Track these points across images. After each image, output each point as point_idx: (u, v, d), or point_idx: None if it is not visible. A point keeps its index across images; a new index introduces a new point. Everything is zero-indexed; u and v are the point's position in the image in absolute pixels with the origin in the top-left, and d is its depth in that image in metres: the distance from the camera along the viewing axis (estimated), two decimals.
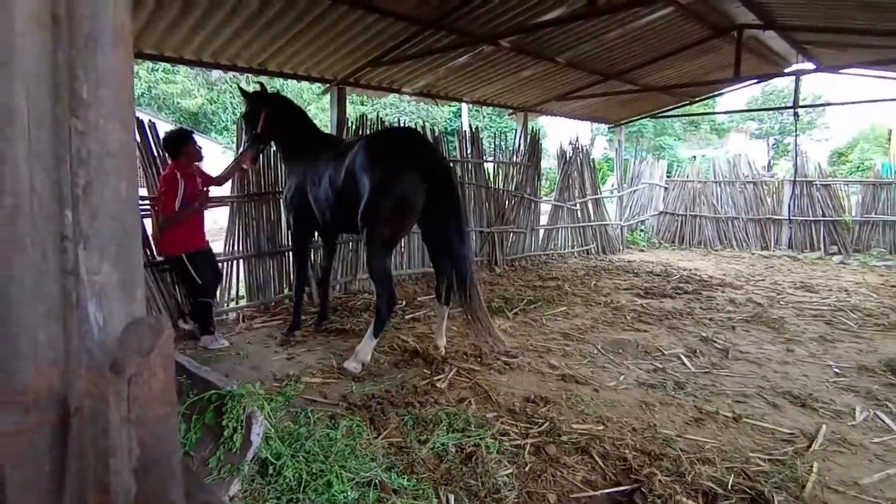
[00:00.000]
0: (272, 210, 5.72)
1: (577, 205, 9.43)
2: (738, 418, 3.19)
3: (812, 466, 2.66)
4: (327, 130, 6.08)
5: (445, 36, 5.65)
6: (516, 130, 8.95)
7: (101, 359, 0.70)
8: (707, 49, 7.33)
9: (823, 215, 9.87)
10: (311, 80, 6.39)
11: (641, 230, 11.63)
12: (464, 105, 19.86)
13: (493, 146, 8.46)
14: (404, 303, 5.72)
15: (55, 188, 0.68)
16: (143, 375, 0.67)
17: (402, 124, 6.88)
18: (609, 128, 12.07)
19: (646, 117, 11.41)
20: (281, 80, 6.34)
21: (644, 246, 11.05)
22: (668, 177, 11.95)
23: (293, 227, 4.81)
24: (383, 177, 3.61)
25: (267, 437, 2.51)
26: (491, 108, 10.12)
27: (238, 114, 4.12)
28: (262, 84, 4.89)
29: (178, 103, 26.04)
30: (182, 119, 25.73)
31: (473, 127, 8.76)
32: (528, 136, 8.73)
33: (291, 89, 23.33)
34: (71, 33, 0.67)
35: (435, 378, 3.67)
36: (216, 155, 21.48)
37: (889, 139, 23.04)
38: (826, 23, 5.70)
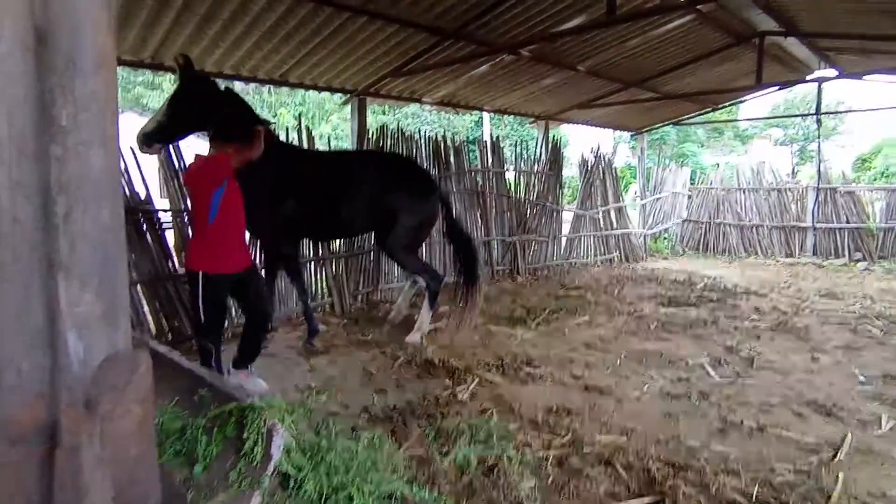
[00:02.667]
0: None
1: (600, 213, 9.40)
2: (762, 428, 3.15)
3: (838, 477, 2.62)
4: (349, 141, 6.20)
5: (465, 45, 5.73)
6: (537, 139, 8.98)
7: (80, 393, 0.66)
8: (728, 56, 7.29)
9: (848, 222, 9.67)
10: (332, 90, 6.53)
11: (665, 238, 11.51)
12: (485, 114, 19.99)
13: (514, 155, 8.52)
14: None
15: (38, 217, 0.64)
16: (117, 413, 0.63)
17: (423, 134, 6.97)
18: (631, 135, 12.01)
19: (668, 124, 11.35)
20: (302, 90, 6.55)
21: (668, 254, 10.94)
22: (691, 184, 11.83)
23: (275, 238, 4.59)
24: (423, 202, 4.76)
25: (288, 450, 2.55)
26: (512, 116, 10.17)
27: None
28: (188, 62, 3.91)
29: None
30: None
31: (494, 136, 8.82)
32: (550, 145, 8.75)
33: (313, 99, 23.75)
34: (51, 57, 0.63)
35: (457, 389, 3.69)
36: None
37: None
38: (848, 29, 5.63)
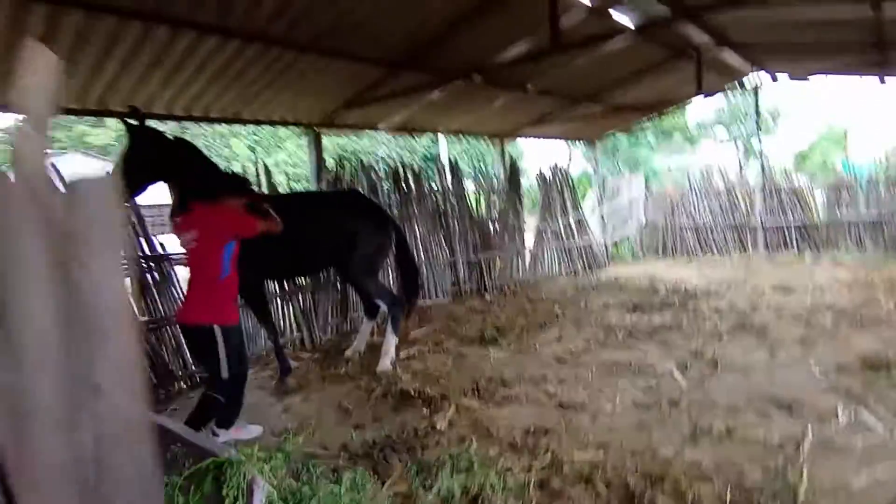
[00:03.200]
0: None
1: (561, 225, 9.60)
2: (730, 431, 3.26)
3: (802, 473, 2.74)
4: (305, 168, 6.21)
5: (416, 75, 5.83)
6: (494, 158, 9.15)
7: None
8: (670, 68, 7.64)
9: (794, 218, 10.19)
10: (287, 124, 6.53)
11: (625, 243, 11.84)
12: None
13: (473, 172, 8.66)
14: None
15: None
16: None
17: (382, 163, 7.04)
18: (585, 145, 12.37)
19: (620, 131, 11.73)
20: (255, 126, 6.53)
21: (630, 259, 11.24)
22: (646, 189, 12.23)
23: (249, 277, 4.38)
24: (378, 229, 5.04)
25: (270, 502, 2.52)
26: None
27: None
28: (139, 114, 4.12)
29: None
30: None
31: (452, 157, 8.95)
32: (507, 164, 8.93)
33: (267, 128, 23.53)
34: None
35: (434, 418, 3.69)
36: None
37: (845, 139, 23.95)
38: (777, 39, 6.01)
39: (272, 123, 6.29)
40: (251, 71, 4.80)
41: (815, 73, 7.77)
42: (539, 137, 10.57)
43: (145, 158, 3.78)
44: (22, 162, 0.56)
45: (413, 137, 9.54)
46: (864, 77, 7.57)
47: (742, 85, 8.50)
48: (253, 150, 23.97)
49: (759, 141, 10.29)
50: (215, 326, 3.17)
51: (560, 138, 11.28)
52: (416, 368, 4.83)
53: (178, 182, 3.96)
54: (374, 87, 5.74)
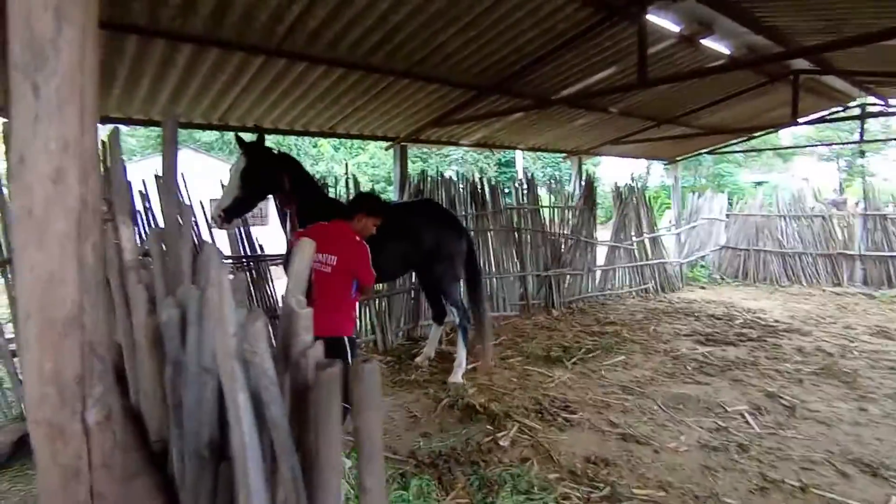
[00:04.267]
0: None
1: (634, 244, 9.44)
2: (804, 488, 3.19)
3: None
4: (384, 169, 6.55)
5: (501, 98, 6.02)
6: (571, 174, 9.15)
7: None
8: (763, 91, 7.33)
9: None
10: (376, 138, 6.92)
11: (702, 266, 11.41)
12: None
13: (549, 189, 8.71)
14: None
15: None
16: None
17: (460, 176, 7.31)
18: (664, 165, 12.02)
19: (703, 153, 11.32)
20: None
21: (705, 283, 10.83)
22: (728, 209, 11.72)
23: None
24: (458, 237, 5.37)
25: (347, 499, 2.79)
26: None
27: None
28: (261, 133, 4.51)
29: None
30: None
31: (529, 173, 9.04)
32: (584, 180, 8.91)
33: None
34: None
35: (498, 435, 3.87)
36: None
37: None
38: (883, 68, 5.64)
39: (363, 137, 6.70)
40: (351, 93, 5.19)
41: None
42: (618, 156, 10.41)
43: (261, 174, 4.20)
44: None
45: (492, 153, 9.71)
46: None
47: (842, 117, 7.95)
48: (337, 149, 25.23)
49: (862, 167, 9.48)
50: (345, 338, 3.36)
51: (639, 157, 11.07)
52: (481, 382, 5.02)
53: (299, 198, 4.33)
54: (460, 109, 5.97)
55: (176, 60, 4.00)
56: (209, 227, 5.05)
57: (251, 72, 4.36)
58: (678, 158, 11.19)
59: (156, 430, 1.06)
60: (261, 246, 5.51)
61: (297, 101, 5.16)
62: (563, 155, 9.86)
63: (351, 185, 6.30)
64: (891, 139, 18.16)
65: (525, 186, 7.99)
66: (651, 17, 4.63)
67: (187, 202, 4.97)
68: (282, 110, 5.32)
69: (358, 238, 3.50)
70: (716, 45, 5.51)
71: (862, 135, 8.41)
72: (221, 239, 5.26)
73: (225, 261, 5.16)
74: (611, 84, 5.70)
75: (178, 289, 0.98)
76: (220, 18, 3.59)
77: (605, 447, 3.73)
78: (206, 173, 11.59)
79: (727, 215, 11.50)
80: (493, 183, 7.77)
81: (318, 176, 6.34)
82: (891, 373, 5.23)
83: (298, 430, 0.75)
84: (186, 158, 19.63)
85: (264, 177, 4.23)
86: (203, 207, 5.26)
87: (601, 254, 9.24)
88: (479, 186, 7.42)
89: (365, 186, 7.09)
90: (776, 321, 7.38)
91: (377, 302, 6.33)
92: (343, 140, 24.26)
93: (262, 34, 3.88)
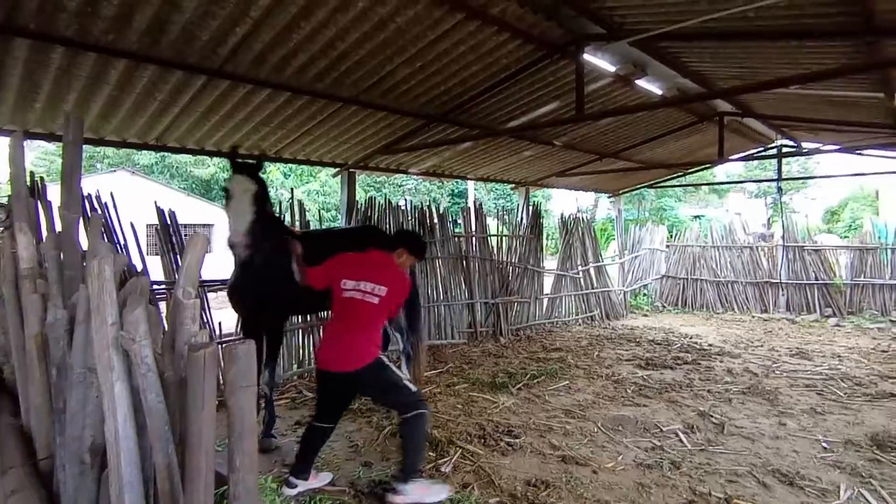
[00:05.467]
0: None
1: (580, 272, 9.74)
2: (729, 500, 3.33)
3: None
4: (336, 197, 6.53)
5: (449, 127, 6.20)
6: (519, 204, 9.42)
7: None
8: (694, 131, 7.87)
9: (816, 279, 10.12)
10: (324, 164, 6.92)
11: (645, 294, 11.86)
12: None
13: (497, 211, 8.92)
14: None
15: None
16: None
17: (409, 204, 7.39)
18: (609, 198, 12.56)
19: (643, 187, 11.92)
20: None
21: (647, 310, 11.25)
22: (668, 241, 12.31)
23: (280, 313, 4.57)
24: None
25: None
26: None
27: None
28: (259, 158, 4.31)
29: (190, 171, 27.07)
30: (194, 186, 26.74)
31: (478, 202, 9.24)
32: (531, 210, 9.18)
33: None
34: None
35: (439, 462, 3.85)
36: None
37: (877, 199, 23.65)
38: (796, 114, 6.21)
39: (311, 163, 6.68)
40: (298, 117, 5.21)
41: (839, 147, 7.89)
42: (564, 188, 10.81)
43: (268, 197, 3.96)
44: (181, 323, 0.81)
45: (441, 182, 9.89)
46: (887, 151, 7.66)
47: (763, 155, 8.67)
48: (287, 176, 24.85)
49: (781, 203, 10.26)
50: (379, 357, 3.26)
51: (585, 190, 11.53)
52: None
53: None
54: (409, 137, 6.10)
55: (108, 76, 3.89)
56: (140, 252, 4.88)
57: (191, 92, 4.29)
58: (621, 192, 11.73)
59: (44, 445, 1.03)
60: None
61: (241, 124, 5.12)
62: (511, 187, 10.16)
63: (297, 210, 6.26)
64: (806, 177, 19.71)
65: (473, 215, 8.15)
66: (588, 57, 4.93)
67: (116, 221, 4.82)
68: (225, 133, 5.25)
69: (403, 271, 3.47)
70: (649, 86, 5.91)
71: (780, 173, 9.11)
72: (155, 265, 5.09)
73: (156, 286, 4.96)
74: (554, 117, 5.97)
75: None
76: (157, 35, 3.52)
77: (546, 469, 3.77)
78: (144, 196, 11.19)
79: (667, 246, 12.07)
80: (441, 211, 7.89)
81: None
82: (807, 390, 5.58)
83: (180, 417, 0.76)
84: (121, 180, 18.92)
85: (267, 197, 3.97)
86: (134, 230, 5.09)
87: (548, 282, 9.47)
88: (427, 214, 7.51)
89: (313, 214, 7.05)
90: (710, 345, 7.74)
91: (321, 330, 6.23)
92: (293, 167, 24.01)
93: (203, 54, 3.84)
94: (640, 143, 8.09)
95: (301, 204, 6.44)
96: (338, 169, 6.98)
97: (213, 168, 26.76)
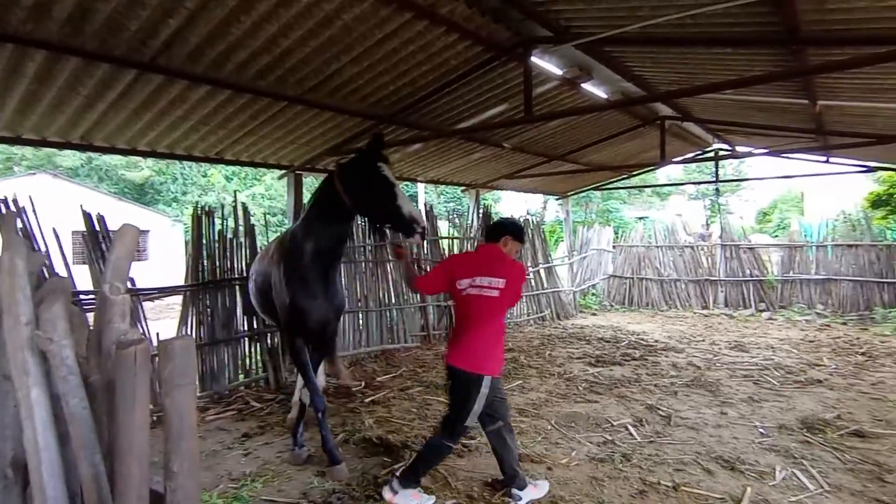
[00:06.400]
0: (227, 297, 5.80)
1: (531, 273, 9.87)
2: (677, 487, 3.44)
3: None
4: (282, 201, 6.34)
5: (398, 128, 6.14)
6: (469, 207, 9.46)
7: None
8: (637, 134, 8.15)
9: (751, 275, 10.70)
10: (268, 166, 6.71)
11: (593, 294, 12.17)
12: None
13: (448, 220, 8.91)
14: (363, 384, 5.83)
15: None
16: None
17: None
18: (557, 199, 12.84)
19: (590, 189, 12.24)
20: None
21: (596, 309, 11.55)
22: (614, 242, 12.70)
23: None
24: None
25: None
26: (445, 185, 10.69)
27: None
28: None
29: (121, 175, 25.64)
30: (126, 191, 25.39)
31: (429, 205, 9.21)
32: (481, 212, 9.24)
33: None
34: None
35: (395, 466, 3.77)
36: (166, 228, 21.23)
37: (802, 200, 25.46)
38: (731, 118, 6.54)
39: (254, 165, 6.46)
40: (239, 117, 5.01)
41: (769, 149, 8.39)
42: (514, 190, 10.96)
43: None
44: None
45: None
46: (812, 154, 8.21)
47: (701, 158, 9.13)
48: (230, 179, 23.93)
49: (718, 204, 10.79)
50: (485, 377, 3.12)
51: (534, 192, 11.73)
52: (380, 415, 4.89)
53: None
54: (358, 138, 5.99)
55: (25, 69, 3.59)
56: (64, 260, 4.57)
57: (119, 87, 4.02)
58: (569, 194, 12.01)
59: None
60: (132, 279, 5.03)
61: (177, 123, 4.87)
62: (461, 189, 10.20)
63: (240, 214, 6.04)
64: (740, 179, 20.87)
65: (424, 217, 8.11)
66: (536, 60, 5.00)
67: (36, 227, 4.48)
68: (159, 132, 4.98)
69: (514, 258, 3.39)
70: (594, 90, 6.06)
71: (717, 175, 9.58)
72: (83, 275, 4.75)
73: (84, 296, 4.64)
74: (504, 119, 6.02)
75: None
76: (79, 25, 3.27)
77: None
78: (68, 201, 10.47)
79: (614, 247, 12.44)
80: None
81: (207, 207, 5.94)
82: (745, 380, 5.87)
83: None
84: (42, 184, 17.72)
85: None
86: (57, 237, 4.75)
87: None
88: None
89: (258, 218, 6.81)
90: (656, 341, 8.01)
91: (269, 337, 6.02)
92: (237, 170, 23.17)
93: (132, 46, 3.60)
94: (586, 145, 8.30)
95: (245, 207, 6.22)
96: (284, 171, 6.78)
97: (147, 171, 25.39)
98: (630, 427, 4.53)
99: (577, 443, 4.23)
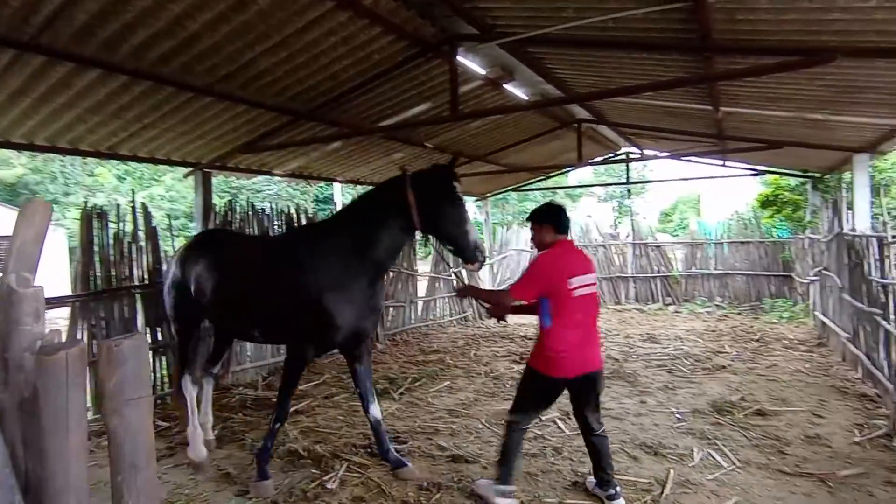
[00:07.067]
0: (125, 307, 5.23)
1: (453, 274, 9.89)
2: None
3: None
4: (183, 204, 5.86)
5: (318, 125, 5.86)
6: None
7: None
8: (556, 136, 8.42)
9: (658, 271, 11.46)
10: (172, 163, 6.14)
11: None
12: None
13: None
14: None
15: None
16: None
17: (274, 208, 6.88)
18: (475, 200, 13.00)
19: (508, 190, 12.51)
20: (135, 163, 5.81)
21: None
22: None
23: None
24: None
25: None
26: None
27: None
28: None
29: None
30: None
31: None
32: None
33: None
34: None
35: (325, 478, 3.56)
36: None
37: (699, 202, 27.90)
38: (642, 123, 6.93)
39: (155, 161, 5.87)
40: (137, 106, 4.52)
41: (674, 153, 9.02)
42: None
43: None
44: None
45: (308, 184, 9.42)
46: (711, 158, 8.92)
47: (614, 160, 9.65)
48: (122, 180, 21.70)
49: (628, 206, 11.49)
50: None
51: None
52: (305, 425, 4.63)
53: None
54: (273, 134, 5.65)
55: None
56: None
57: None
58: (488, 195, 12.19)
59: None
60: None
61: (60, 111, 4.29)
62: None
63: (139, 216, 5.49)
64: (647, 181, 22.41)
65: None
66: (461, 59, 4.97)
67: None
68: (39, 121, 4.38)
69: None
70: (516, 91, 6.16)
71: (628, 177, 10.15)
72: None
73: None
74: (429, 117, 5.94)
75: None
76: None
77: (437, 472, 3.69)
78: None
79: (531, 247, 12.78)
80: (311, 215, 7.48)
81: (96, 209, 5.27)
82: (659, 369, 6.22)
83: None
84: None
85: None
86: None
87: (422, 285, 9.47)
88: (295, 219, 7.07)
89: (158, 221, 6.23)
90: None
91: (168, 350, 5.50)
92: (131, 168, 21.18)
93: (13, 25, 3.14)
94: (507, 146, 8.45)
95: (146, 208, 5.67)
96: (190, 169, 6.23)
97: (21, 168, 22.51)
98: (558, 421, 4.61)
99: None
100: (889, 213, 4.92)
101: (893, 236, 4.49)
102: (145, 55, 3.82)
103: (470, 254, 3.33)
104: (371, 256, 3.45)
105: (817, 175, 9.12)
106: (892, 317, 4.43)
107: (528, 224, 3.34)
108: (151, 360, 5.39)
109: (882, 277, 4.68)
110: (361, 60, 4.71)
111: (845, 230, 6.03)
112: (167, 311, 4.30)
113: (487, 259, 12.24)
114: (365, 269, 3.46)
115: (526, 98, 6.30)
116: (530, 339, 8.24)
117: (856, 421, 4.44)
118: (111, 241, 5.21)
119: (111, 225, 5.23)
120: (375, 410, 3.73)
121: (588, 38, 4.17)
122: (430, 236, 3.52)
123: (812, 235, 8.33)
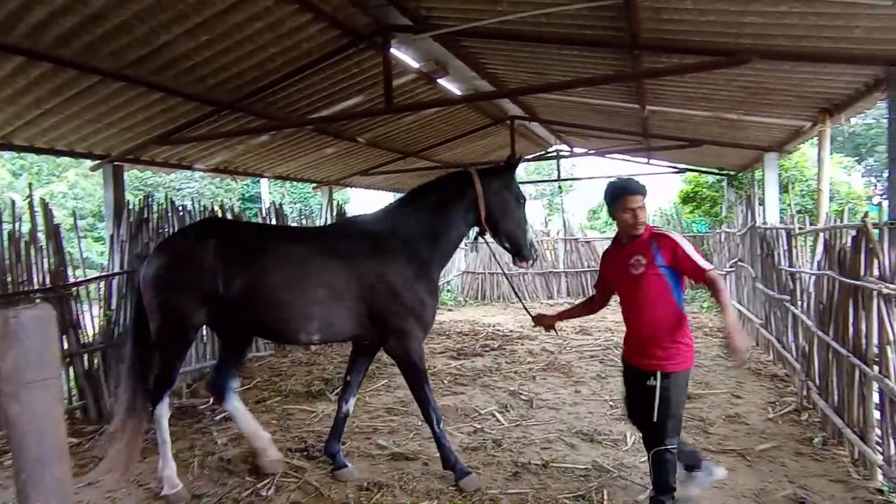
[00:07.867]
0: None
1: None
2: (546, 464, 3.60)
3: (603, 495, 3.14)
4: (105, 216, 5.42)
5: (243, 117, 5.57)
6: (322, 205, 9.04)
7: None
8: (489, 133, 8.51)
9: (588, 266, 11.88)
10: (76, 155, 5.63)
11: (448, 290, 12.48)
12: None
13: (297, 216, 8.41)
14: (211, 400, 5.17)
15: None
16: None
17: (196, 204, 6.45)
18: None
19: None
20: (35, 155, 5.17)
21: (452, 305, 11.84)
22: (466, 239, 13.10)
23: None
24: None
25: None
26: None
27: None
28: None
29: None
30: None
31: (276, 201, 8.61)
32: (335, 211, 8.89)
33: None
34: None
35: (259, 485, 3.37)
36: None
37: None
38: (572, 120, 7.13)
39: (56, 153, 5.33)
40: (34, 91, 4.08)
41: (601, 151, 9.39)
42: (368, 188, 10.76)
43: None
44: None
45: (233, 180, 8.97)
46: (636, 156, 9.36)
47: (546, 157, 9.91)
48: (17, 176, 19.46)
49: (559, 203, 11.84)
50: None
51: (388, 190, 11.62)
52: (236, 432, 4.36)
53: None
54: (194, 125, 5.28)
55: None
56: None
57: None
58: None
59: None
60: None
61: None
62: (313, 187, 9.72)
63: (39, 216, 4.97)
64: (576, 178, 23.20)
65: (274, 217, 7.53)
66: (394, 51, 4.88)
67: None
68: None
69: None
70: (450, 86, 6.15)
71: (559, 175, 10.46)
72: None
73: None
74: (363, 110, 5.79)
75: None
76: None
77: (377, 471, 3.59)
78: None
79: (465, 244, 12.88)
80: (237, 213, 7.11)
81: None
82: (592, 360, 6.44)
83: None
84: None
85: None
86: None
87: None
88: (220, 216, 6.67)
89: (63, 220, 5.68)
90: (511, 331, 8.42)
91: (87, 358, 5.02)
92: (27, 163, 19.05)
93: None
94: (442, 142, 8.45)
95: (45, 204, 5.13)
96: (97, 162, 5.71)
97: None
98: (497, 414, 4.64)
99: (449, 434, 4.15)
100: (794, 207, 5.33)
101: (800, 228, 4.87)
102: (42, 35, 3.46)
103: (527, 251, 3.52)
104: (441, 248, 3.50)
105: (732, 173, 9.79)
106: (799, 302, 4.81)
107: (634, 196, 2.82)
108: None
109: (790, 266, 5.06)
110: (290, 49, 4.50)
111: (758, 223, 6.50)
112: (151, 315, 3.39)
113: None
114: (438, 261, 3.54)
115: (459, 93, 6.30)
116: (466, 334, 8.29)
117: (769, 399, 4.78)
118: (6, 243, 4.67)
119: (5, 224, 4.68)
120: (352, 405, 3.72)
121: (522, 33, 4.22)
122: (484, 234, 3.58)
123: (728, 229, 8.92)
